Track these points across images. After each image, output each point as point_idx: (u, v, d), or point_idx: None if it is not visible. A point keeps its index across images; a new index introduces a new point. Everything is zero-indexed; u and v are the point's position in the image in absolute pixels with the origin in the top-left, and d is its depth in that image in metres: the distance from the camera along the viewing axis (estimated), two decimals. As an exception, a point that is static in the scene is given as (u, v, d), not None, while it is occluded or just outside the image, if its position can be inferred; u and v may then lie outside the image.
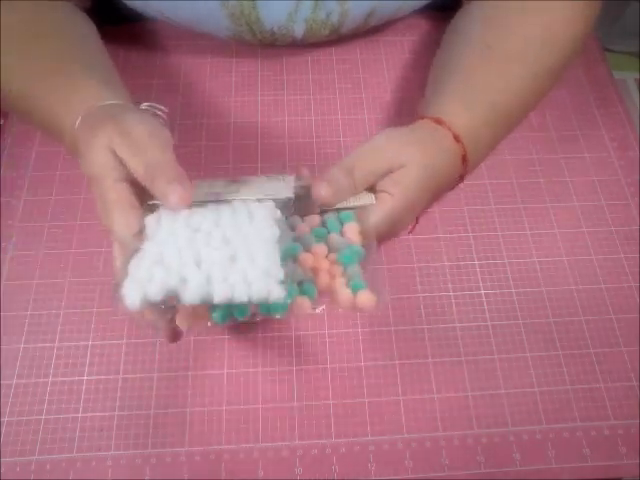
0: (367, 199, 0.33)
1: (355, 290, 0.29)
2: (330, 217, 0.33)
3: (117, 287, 0.28)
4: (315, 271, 0.30)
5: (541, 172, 0.47)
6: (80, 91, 0.36)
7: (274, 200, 0.31)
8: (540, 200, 0.46)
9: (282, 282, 0.27)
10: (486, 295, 0.41)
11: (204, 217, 0.30)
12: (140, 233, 0.30)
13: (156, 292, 0.26)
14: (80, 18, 0.44)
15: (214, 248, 0.28)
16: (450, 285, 0.42)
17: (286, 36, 0.48)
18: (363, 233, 0.32)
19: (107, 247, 0.43)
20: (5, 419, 0.36)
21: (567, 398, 0.38)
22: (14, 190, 0.45)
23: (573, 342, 0.40)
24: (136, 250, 0.29)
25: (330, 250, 0.31)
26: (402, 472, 0.35)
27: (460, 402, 0.38)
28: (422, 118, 0.37)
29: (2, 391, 0.37)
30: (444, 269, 0.42)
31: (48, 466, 0.35)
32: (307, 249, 0.30)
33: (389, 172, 0.34)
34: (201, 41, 0.53)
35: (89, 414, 0.37)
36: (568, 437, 0.37)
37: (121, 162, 0.31)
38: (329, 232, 0.32)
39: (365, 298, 0.29)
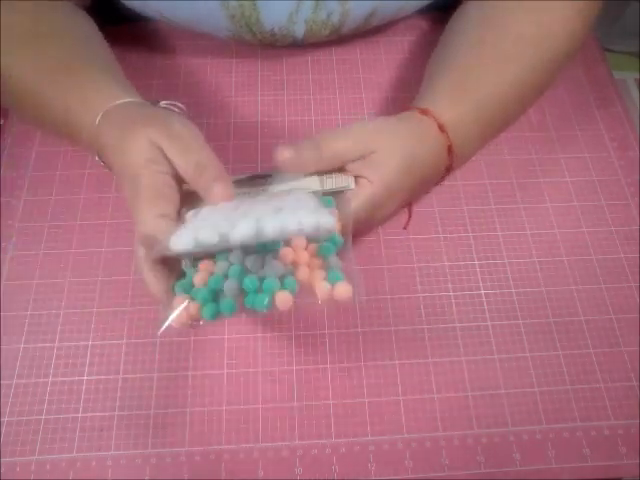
0: (347, 182, 0.34)
1: (333, 282, 0.29)
2: None
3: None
4: (295, 264, 0.30)
5: (541, 172, 0.47)
6: (92, 88, 0.36)
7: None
8: (540, 200, 0.46)
9: (330, 215, 0.28)
10: (486, 295, 0.41)
11: (242, 201, 0.31)
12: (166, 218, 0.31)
13: (208, 235, 0.28)
14: (82, 17, 0.44)
15: (259, 206, 0.30)
16: (450, 285, 0.42)
17: (286, 37, 0.48)
18: (342, 219, 0.32)
19: (107, 247, 0.43)
20: (5, 419, 0.36)
21: (567, 398, 0.38)
22: (14, 190, 0.45)
23: (573, 342, 0.40)
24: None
25: (309, 239, 0.31)
26: (402, 472, 0.35)
27: (460, 402, 0.38)
28: (409, 109, 0.38)
29: (2, 391, 0.37)
30: (444, 269, 0.42)
31: (48, 466, 0.35)
32: (287, 240, 0.31)
33: (362, 156, 0.34)
34: (201, 41, 0.53)
35: (89, 414, 0.37)
36: (568, 437, 0.37)
37: (164, 157, 0.32)
38: None
39: (342, 290, 0.29)
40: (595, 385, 0.38)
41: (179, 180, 0.33)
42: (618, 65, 1.15)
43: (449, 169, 0.38)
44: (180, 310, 0.29)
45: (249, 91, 0.51)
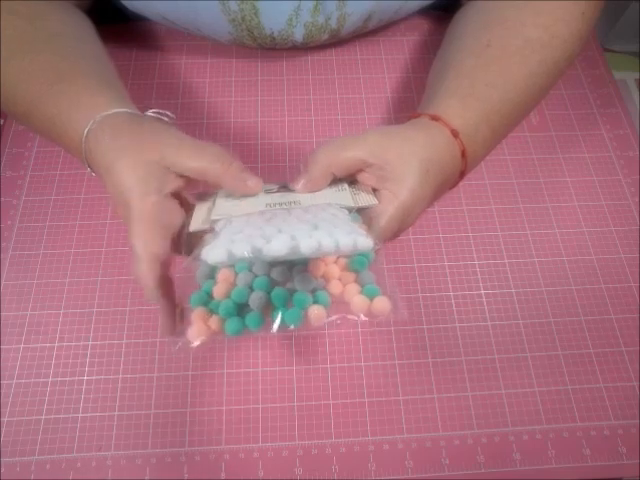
0: (369, 200, 0.33)
1: (370, 296, 0.29)
2: None
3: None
4: (326, 278, 0.30)
5: (541, 172, 0.47)
6: (80, 97, 0.36)
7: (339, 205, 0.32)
8: (540, 200, 0.46)
9: (367, 237, 0.27)
10: (486, 295, 0.41)
11: (275, 214, 0.30)
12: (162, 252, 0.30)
13: (241, 248, 0.26)
14: (79, 20, 0.44)
15: (293, 221, 0.29)
16: (450, 285, 0.42)
17: (286, 41, 0.48)
18: (374, 234, 0.31)
19: (107, 247, 0.43)
20: (5, 419, 0.36)
21: (567, 398, 0.38)
22: (14, 190, 0.45)
23: (573, 342, 0.40)
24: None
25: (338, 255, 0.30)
26: (402, 472, 0.35)
27: (460, 402, 0.38)
28: (418, 116, 0.38)
29: (2, 391, 0.37)
30: (444, 269, 0.42)
31: (48, 466, 0.35)
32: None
33: (378, 164, 0.33)
34: (201, 41, 0.53)
35: (89, 414, 0.37)
36: (568, 437, 0.37)
37: (161, 173, 0.31)
38: None
39: (381, 304, 0.28)
40: (595, 385, 0.38)
41: (179, 193, 0.33)
42: (618, 65, 1.15)
43: (463, 173, 0.38)
44: (199, 325, 0.27)
45: (249, 91, 0.51)
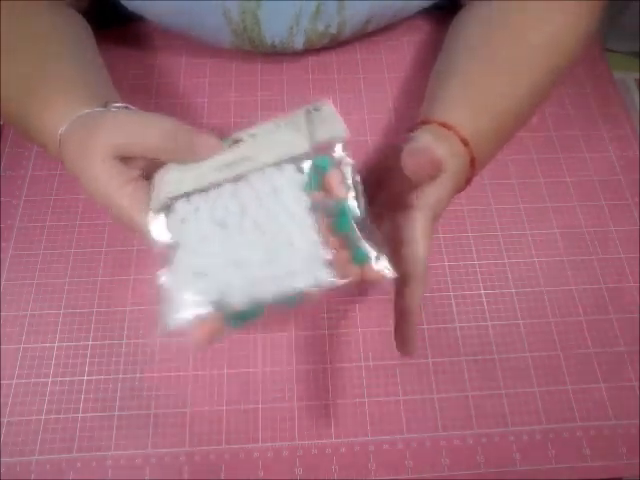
0: (340, 131, 0.28)
1: (360, 262, 0.26)
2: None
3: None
4: None
5: (541, 172, 0.47)
6: (48, 108, 0.35)
7: (292, 158, 0.28)
8: (540, 200, 0.46)
9: (329, 262, 0.25)
10: (486, 295, 0.41)
11: (227, 209, 0.28)
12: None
13: (205, 306, 0.25)
14: (68, 16, 0.43)
15: (249, 245, 0.26)
16: (450, 285, 0.42)
17: (286, 48, 0.49)
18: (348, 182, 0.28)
19: (107, 247, 0.43)
20: (5, 419, 0.36)
21: (567, 398, 0.38)
22: (14, 190, 0.45)
23: (573, 342, 0.40)
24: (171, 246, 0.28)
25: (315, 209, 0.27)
26: (402, 472, 0.35)
27: (460, 402, 0.38)
28: (428, 122, 0.37)
29: (2, 391, 0.37)
30: (444, 269, 0.42)
31: (48, 466, 0.35)
32: None
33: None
34: (201, 42, 0.53)
35: (89, 414, 0.37)
36: (568, 437, 0.37)
37: (124, 161, 0.31)
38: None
39: (375, 272, 0.25)
40: (595, 385, 0.38)
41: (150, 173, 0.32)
42: (618, 65, 1.15)
43: (469, 181, 0.38)
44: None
45: (249, 91, 0.51)
